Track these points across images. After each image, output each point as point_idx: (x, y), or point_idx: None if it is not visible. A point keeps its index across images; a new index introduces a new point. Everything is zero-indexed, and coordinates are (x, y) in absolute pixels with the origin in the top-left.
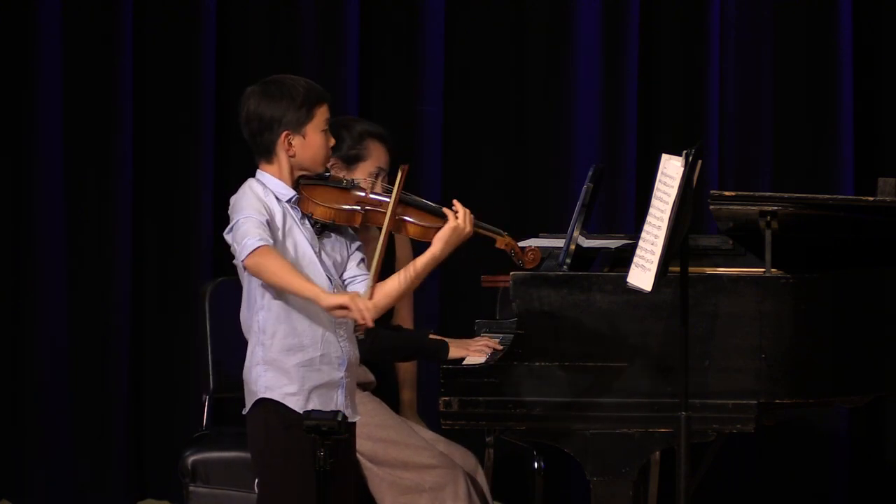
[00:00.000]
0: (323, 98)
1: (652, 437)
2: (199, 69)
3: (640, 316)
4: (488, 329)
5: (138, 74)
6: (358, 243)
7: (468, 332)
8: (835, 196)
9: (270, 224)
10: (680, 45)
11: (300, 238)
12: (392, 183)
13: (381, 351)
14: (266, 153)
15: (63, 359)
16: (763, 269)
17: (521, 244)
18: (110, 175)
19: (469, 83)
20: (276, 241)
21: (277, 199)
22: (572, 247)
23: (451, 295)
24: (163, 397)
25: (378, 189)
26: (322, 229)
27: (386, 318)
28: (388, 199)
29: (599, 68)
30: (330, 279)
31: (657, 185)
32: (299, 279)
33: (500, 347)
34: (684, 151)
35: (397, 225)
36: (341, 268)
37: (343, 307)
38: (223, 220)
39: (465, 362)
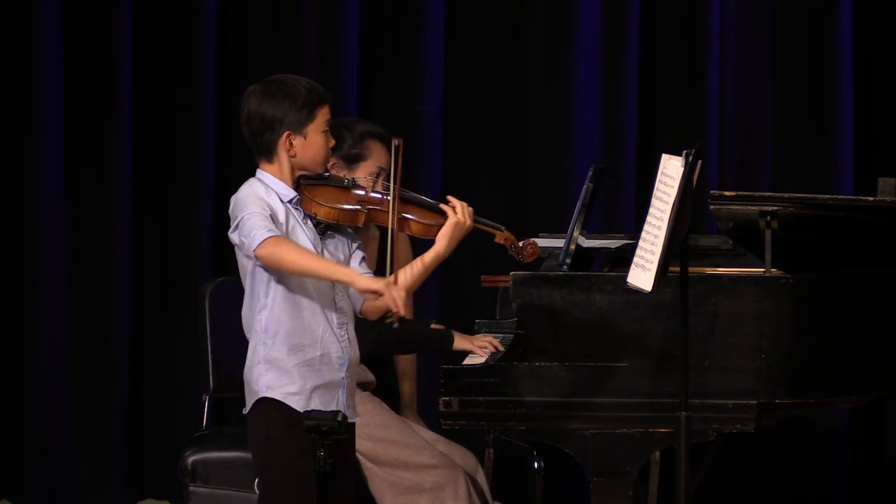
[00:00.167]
0: (324, 99)
1: (652, 437)
2: (199, 69)
3: (640, 316)
4: (488, 329)
5: (138, 74)
6: (358, 242)
7: (468, 332)
8: (835, 196)
9: (274, 221)
10: (680, 45)
11: (303, 238)
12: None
13: (387, 343)
14: (267, 153)
15: (63, 359)
16: (763, 269)
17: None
18: (110, 175)
19: (469, 83)
20: None
21: (280, 199)
22: (572, 247)
23: (451, 295)
24: (163, 397)
25: (379, 188)
26: (325, 230)
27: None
28: (389, 198)
29: (599, 68)
30: None
31: (657, 185)
32: (324, 261)
33: (503, 349)
34: (684, 151)
35: (400, 223)
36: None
37: (376, 292)
38: (223, 220)
39: (465, 362)
